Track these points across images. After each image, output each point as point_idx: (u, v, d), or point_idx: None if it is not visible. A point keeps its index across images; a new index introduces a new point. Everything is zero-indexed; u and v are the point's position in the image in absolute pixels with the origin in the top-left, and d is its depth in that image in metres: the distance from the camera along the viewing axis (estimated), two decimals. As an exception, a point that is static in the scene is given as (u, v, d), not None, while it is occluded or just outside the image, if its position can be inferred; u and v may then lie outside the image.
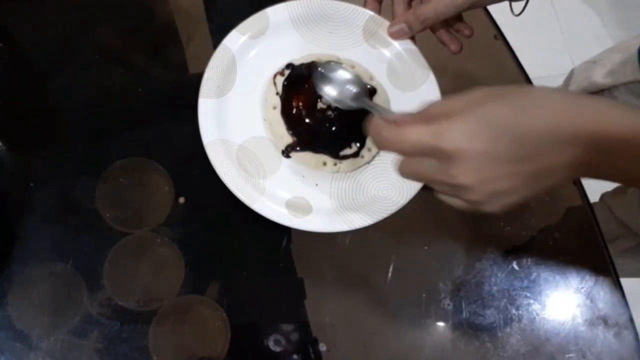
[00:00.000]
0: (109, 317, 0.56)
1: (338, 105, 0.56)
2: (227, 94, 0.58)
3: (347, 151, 0.58)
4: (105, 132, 0.62)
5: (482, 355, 0.57)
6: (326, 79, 0.56)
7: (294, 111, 0.58)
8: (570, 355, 0.58)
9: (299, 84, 0.58)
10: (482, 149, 0.37)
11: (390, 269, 0.59)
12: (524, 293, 0.59)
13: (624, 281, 0.60)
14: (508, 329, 0.58)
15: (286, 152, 0.58)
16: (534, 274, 0.60)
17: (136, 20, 0.67)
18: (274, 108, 0.59)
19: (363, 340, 0.58)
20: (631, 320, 0.59)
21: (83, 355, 0.55)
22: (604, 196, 0.90)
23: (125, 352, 0.56)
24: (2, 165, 0.62)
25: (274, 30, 0.59)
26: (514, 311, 0.59)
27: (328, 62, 0.58)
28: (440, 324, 0.58)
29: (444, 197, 0.43)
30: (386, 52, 0.60)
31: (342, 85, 0.55)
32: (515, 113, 0.37)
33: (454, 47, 0.57)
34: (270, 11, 0.59)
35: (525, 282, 0.60)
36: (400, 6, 0.57)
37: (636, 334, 0.58)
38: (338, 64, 0.58)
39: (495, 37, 0.67)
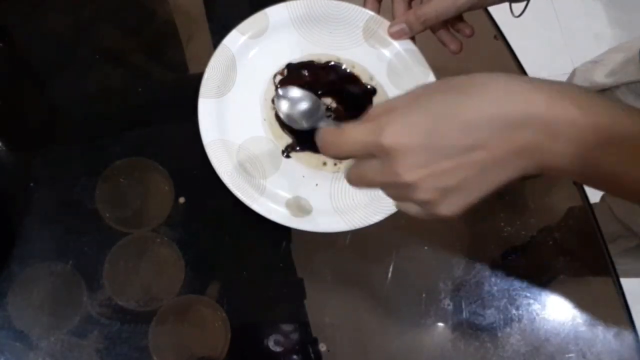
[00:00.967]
0: (109, 317, 0.56)
1: (292, 125, 0.55)
2: (227, 94, 0.58)
3: (347, 151, 0.58)
4: (105, 132, 0.62)
5: (482, 355, 0.57)
6: (283, 98, 0.54)
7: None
8: (570, 355, 0.58)
9: (297, 83, 0.58)
10: (423, 141, 0.34)
11: (390, 269, 0.59)
12: (524, 293, 0.59)
13: (624, 281, 0.60)
14: (508, 329, 0.58)
15: (286, 152, 0.58)
16: (534, 274, 0.60)
17: (136, 20, 0.67)
18: (274, 108, 0.59)
19: (363, 340, 0.58)
20: (631, 320, 0.59)
21: (83, 355, 0.55)
22: (604, 196, 0.90)
23: (125, 352, 0.56)
24: (2, 165, 0.62)
25: (274, 30, 0.59)
26: (514, 311, 0.59)
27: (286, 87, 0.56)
28: (440, 324, 0.58)
29: (400, 205, 0.40)
30: (386, 52, 0.60)
31: (295, 103, 0.54)
32: (458, 100, 0.34)
33: (454, 47, 0.57)
34: (270, 11, 0.59)
35: (525, 282, 0.60)
36: (400, 6, 0.57)
37: (636, 334, 0.58)
38: (297, 89, 0.55)
39: (495, 37, 0.67)
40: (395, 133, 0.35)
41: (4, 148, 0.62)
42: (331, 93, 0.59)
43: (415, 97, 0.36)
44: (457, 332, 0.58)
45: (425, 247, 0.60)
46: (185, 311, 0.57)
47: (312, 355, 0.56)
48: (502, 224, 0.61)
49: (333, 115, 0.58)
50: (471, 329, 0.58)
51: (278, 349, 0.56)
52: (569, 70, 0.89)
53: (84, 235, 0.58)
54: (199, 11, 0.67)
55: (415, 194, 0.36)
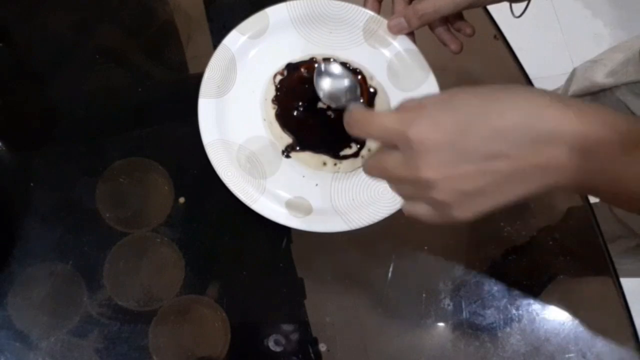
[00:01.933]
0: (109, 317, 0.56)
1: (331, 104, 0.56)
2: (227, 94, 0.58)
3: (347, 151, 0.58)
4: (105, 132, 0.62)
5: (482, 355, 0.57)
6: (323, 75, 0.56)
7: (294, 112, 0.58)
8: (570, 355, 0.58)
9: (297, 83, 0.58)
10: (449, 140, 0.34)
11: (390, 269, 0.59)
12: (524, 293, 0.59)
13: (624, 281, 0.60)
14: (508, 329, 0.58)
15: (286, 152, 0.58)
16: (534, 274, 0.60)
17: (136, 20, 0.67)
18: (274, 108, 0.59)
19: (363, 340, 0.58)
20: (631, 320, 0.59)
21: (83, 355, 0.55)
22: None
23: (125, 352, 0.56)
24: (2, 165, 0.62)
25: (274, 30, 0.59)
26: (514, 311, 0.59)
27: (327, 60, 0.58)
28: (440, 324, 0.58)
29: (409, 207, 0.40)
30: (386, 52, 0.59)
31: (337, 82, 0.56)
32: (490, 106, 0.34)
33: (454, 46, 0.57)
34: (270, 11, 0.59)
35: (525, 282, 0.60)
36: (400, 4, 0.57)
37: (636, 334, 0.58)
38: (336, 62, 0.58)
39: (495, 37, 0.67)
40: (423, 128, 0.34)
41: (4, 148, 0.62)
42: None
43: (449, 96, 0.36)
44: (457, 332, 0.58)
45: (425, 247, 0.60)
46: (185, 311, 0.57)
47: (312, 355, 0.56)
48: (502, 224, 0.61)
49: (333, 115, 0.58)
50: (471, 329, 0.58)
51: (278, 349, 0.56)
52: (569, 70, 0.89)
53: (84, 235, 0.58)
54: (199, 11, 0.67)
55: (432, 193, 0.36)
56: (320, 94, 0.56)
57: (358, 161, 0.58)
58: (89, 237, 0.58)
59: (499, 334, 0.58)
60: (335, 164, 0.58)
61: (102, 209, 0.59)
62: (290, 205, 0.56)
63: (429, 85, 0.58)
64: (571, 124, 0.33)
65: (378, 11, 0.59)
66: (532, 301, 0.59)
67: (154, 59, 0.66)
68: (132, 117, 0.63)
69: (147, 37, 0.67)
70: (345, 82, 0.56)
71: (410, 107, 0.37)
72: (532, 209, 0.62)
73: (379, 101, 0.59)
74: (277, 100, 0.59)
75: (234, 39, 0.58)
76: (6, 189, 0.60)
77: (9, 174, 0.61)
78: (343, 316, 0.58)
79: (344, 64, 0.58)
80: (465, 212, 0.36)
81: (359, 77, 0.59)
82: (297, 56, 0.60)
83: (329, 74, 0.56)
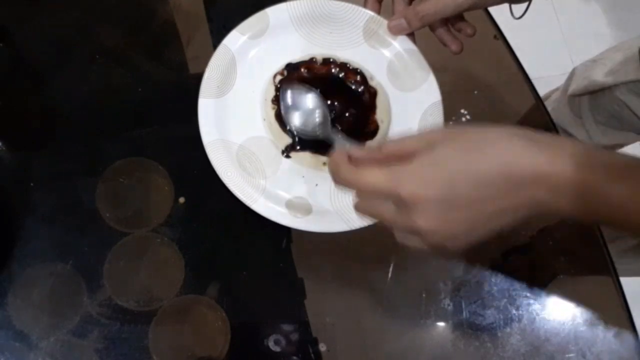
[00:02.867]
0: (109, 317, 0.56)
1: (302, 135, 0.57)
2: (227, 94, 0.58)
3: (347, 151, 0.58)
4: (105, 132, 0.62)
5: (482, 355, 0.57)
6: (292, 106, 0.57)
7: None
8: (570, 355, 0.58)
9: (296, 83, 0.58)
10: (439, 194, 0.37)
11: (390, 269, 0.59)
12: (524, 293, 0.59)
13: (624, 281, 0.60)
14: (508, 329, 0.58)
15: (286, 152, 0.58)
16: (534, 274, 0.60)
17: (136, 20, 0.67)
18: (274, 108, 0.59)
19: (363, 340, 0.58)
20: (631, 320, 0.59)
21: (83, 355, 0.55)
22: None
23: (125, 352, 0.56)
24: (2, 165, 0.62)
25: (274, 30, 0.59)
26: (514, 311, 0.59)
27: (296, 85, 0.58)
28: (440, 324, 0.58)
29: (403, 240, 0.42)
30: (386, 52, 0.59)
31: (307, 113, 0.56)
32: (468, 157, 0.37)
33: (454, 47, 0.57)
34: (271, 11, 0.59)
35: (525, 282, 0.60)
36: (400, 4, 0.57)
37: (636, 334, 0.58)
38: (306, 87, 0.57)
39: (495, 37, 0.67)
40: (413, 186, 0.38)
41: (4, 148, 0.62)
42: (331, 93, 0.59)
43: (426, 147, 0.38)
44: (457, 332, 0.58)
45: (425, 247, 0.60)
46: (185, 311, 0.57)
47: (312, 355, 0.56)
48: (502, 224, 0.61)
49: (333, 115, 0.58)
50: (471, 329, 0.58)
51: (278, 349, 0.56)
52: (569, 70, 0.89)
53: (84, 235, 0.58)
54: (199, 11, 0.67)
55: (426, 239, 0.39)
56: (290, 124, 0.57)
57: (358, 161, 0.58)
58: (89, 237, 0.58)
59: (499, 334, 0.58)
60: (335, 164, 0.58)
61: (102, 209, 0.59)
62: (290, 205, 0.56)
63: (429, 85, 0.58)
64: (547, 168, 0.36)
65: (378, 11, 0.59)
66: (532, 301, 0.59)
67: (154, 59, 0.66)
68: (132, 117, 0.63)
69: (147, 37, 0.67)
70: (316, 117, 0.56)
71: (392, 155, 0.40)
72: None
73: (378, 101, 0.59)
74: (277, 100, 0.59)
75: (234, 39, 0.58)
76: (6, 189, 0.60)
77: (9, 174, 0.61)
78: (343, 316, 0.58)
79: (312, 87, 0.58)
80: (456, 246, 0.40)
81: (359, 77, 0.59)
82: (297, 56, 0.60)
83: (296, 107, 0.56)
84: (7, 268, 0.57)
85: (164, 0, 0.69)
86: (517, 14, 0.57)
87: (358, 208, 0.43)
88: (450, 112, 0.62)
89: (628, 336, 0.58)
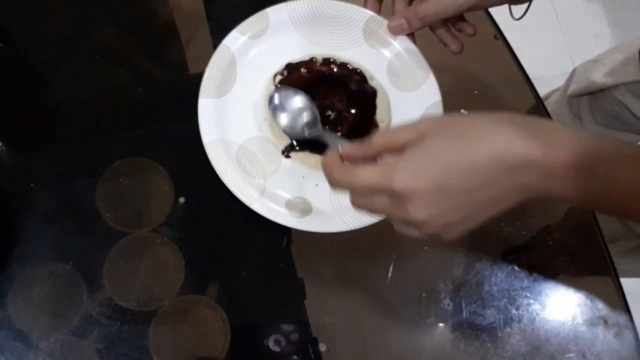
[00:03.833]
0: (109, 317, 0.56)
1: (290, 135, 0.57)
2: (227, 94, 0.58)
3: (347, 151, 0.58)
4: (105, 132, 0.62)
5: (482, 355, 0.57)
6: (280, 106, 0.56)
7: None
8: (570, 355, 0.58)
9: (297, 83, 0.58)
10: (433, 185, 0.37)
11: (390, 269, 0.59)
12: (524, 293, 0.59)
13: (624, 281, 0.60)
14: (508, 329, 0.58)
15: (286, 152, 0.58)
16: (534, 274, 0.60)
17: (136, 20, 0.67)
18: (274, 108, 0.59)
19: (363, 340, 0.58)
20: (631, 320, 0.59)
21: (83, 355, 0.56)
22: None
23: (125, 352, 0.56)
24: (2, 165, 0.62)
25: (274, 30, 0.59)
26: (514, 311, 0.59)
27: (283, 89, 0.57)
28: (440, 324, 0.58)
29: (401, 229, 0.43)
30: (386, 52, 0.59)
31: (295, 113, 0.56)
32: (459, 146, 0.37)
33: (455, 47, 0.57)
34: (271, 11, 0.59)
35: (525, 282, 0.60)
36: (400, 4, 0.57)
37: (636, 334, 0.58)
38: (294, 90, 0.57)
39: (495, 37, 0.67)
40: (404, 179, 0.38)
41: (4, 148, 0.62)
42: (331, 93, 0.59)
43: (421, 138, 0.38)
44: (457, 332, 0.58)
45: (425, 247, 0.60)
46: (185, 311, 0.57)
47: (312, 355, 0.56)
48: (502, 224, 0.61)
49: (333, 115, 0.58)
50: (471, 329, 0.58)
51: (278, 349, 0.56)
52: (569, 70, 0.89)
53: (84, 235, 0.58)
54: (199, 11, 0.67)
55: (422, 229, 0.39)
56: (281, 126, 0.56)
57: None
58: (89, 237, 0.58)
59: (499, 334, 0.58)
60: (335, 164, 0.58)
61: (102, 209, 0.59)
62: (290, 205, 0.56)
63: (429, 85, 0.58)
64: (540, 153, 0.36)
65: (378, 11, 0.59)
66: (532, 301, 0.59)
67: (154, 59, 0.66)
68: (132, 117, 0.63)
69: (147, 37, 0.67)
70: (304, 117, 0.56)
71: (383, 148, 0.40)
72: (532, 209, 0.62)
73: (378, 101, 0.59)
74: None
75: (234, 39, 0.58)
76: (6, 189, 0.60)
77: (9, 174, 0.61)
78: (343, 316, 0.58)
79: (302, 90, 0.57)
80: (452, 235, 0.40)
81: (359, 77, 0.59)
82: (297, 56, 0.60)
83: (283, 109, 0.56)
84: (7, 268, 0.57)
85: (164, 0, 0.69)
86: (517, 15, 0.57)
87: (354, 204, 0.43)
88: (450, 112, 0.62)
89: (628, 336, 0.58)
